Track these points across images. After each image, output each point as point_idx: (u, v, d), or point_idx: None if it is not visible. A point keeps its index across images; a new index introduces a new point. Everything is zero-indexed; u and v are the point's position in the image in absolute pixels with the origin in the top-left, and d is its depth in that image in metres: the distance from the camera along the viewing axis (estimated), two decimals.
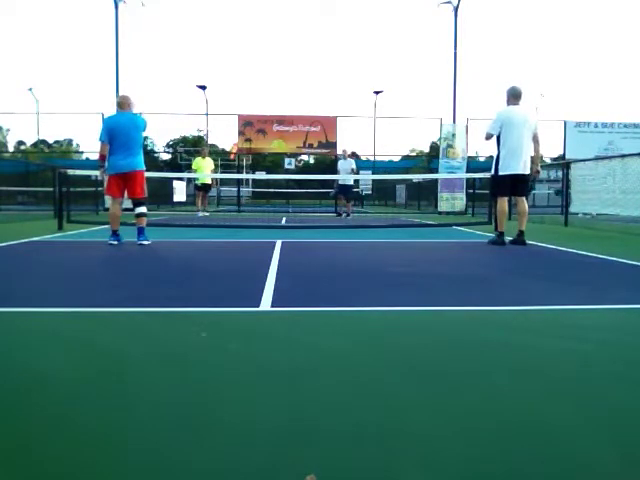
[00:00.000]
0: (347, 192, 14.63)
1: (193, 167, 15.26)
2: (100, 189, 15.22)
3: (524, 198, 6.62)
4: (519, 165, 6.35)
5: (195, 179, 16.02)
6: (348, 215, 14.57)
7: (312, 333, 2.36)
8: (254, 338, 2.26)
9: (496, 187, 6.57)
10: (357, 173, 14.94)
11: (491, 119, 6.61)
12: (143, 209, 6.27)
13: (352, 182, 14.75)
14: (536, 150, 6.58)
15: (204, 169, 14.67)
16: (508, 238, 6.42)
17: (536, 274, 4.30)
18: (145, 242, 6.08)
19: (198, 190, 15.57)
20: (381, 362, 1.93)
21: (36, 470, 1.17)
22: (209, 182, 15.74)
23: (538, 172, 6.66)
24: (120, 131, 6.09)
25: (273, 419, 1.42)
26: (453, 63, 18.57)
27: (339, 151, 23.11)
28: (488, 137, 6.51)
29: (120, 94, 6.89)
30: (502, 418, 1.45)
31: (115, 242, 6.09)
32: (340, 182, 14.18)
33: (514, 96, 6.44)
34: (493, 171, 6.52)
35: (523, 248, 6.11)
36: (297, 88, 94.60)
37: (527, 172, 6.44)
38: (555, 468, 1.18)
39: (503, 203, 6.59)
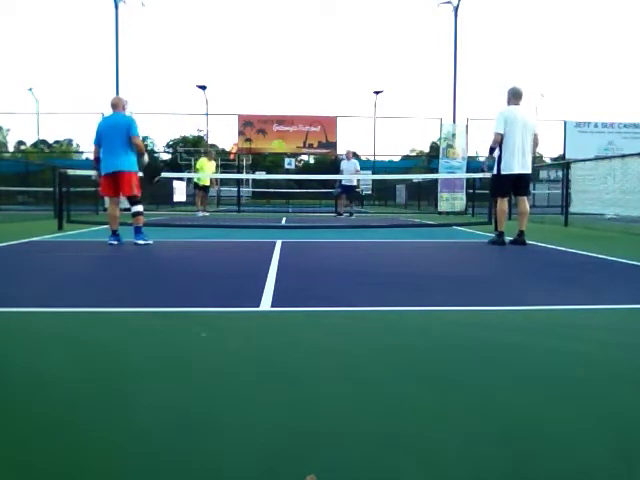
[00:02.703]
0: (350, 192, 14.74)
1: (197, 166, 15.30)
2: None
3: (525, 198, 6.60)
4: (521, 165, 6.34)
5: (193, 179, 16.09)
6: (351, 215, 14.66)
7: (312, 333, 2.36)
8: (254, 338, 2.26)
9: (497, 187, 6.56)
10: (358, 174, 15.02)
11: (494, 119, 6.52)
12: (139, 208, 6.26)
13: (355, 182, 14.89)
14: (533, 151, 6.57)
15: (207, 170, 14.75)
16: (508, 238, 6.42)
17: (536, 274, 4.30)
18: (142, 242, 6.03)
19: (198, 190, 15.60)
20: (381, 362, 1.93)
21: (36, 471, 1.17)
22: (209, 183, 15.76)
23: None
24: (106, 132, 6.20)
25: (273, 419, 1.42)
26: (453, 63, 18.58)
27: (339, 151, 23.15)
28: (498, 138, 6.30)
29: (113, 96, 6.88)
30: (502, 418, 1.45)
31: (115, 242, 6.08)
32: (344, 182, 14.29)
33: (515, 96, 6.44)
34: (495, 171, 6.49)
35: (523, 248, 6.10)
36: (297, 88, 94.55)
37: (528, 172, 6.45)
38: (555, 469, 1.18)
39: (503, 203, 6.60)
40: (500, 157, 6.40)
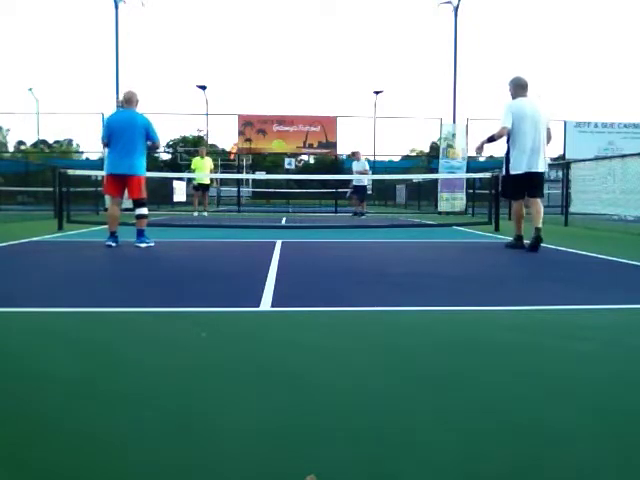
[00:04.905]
0: (361, 192, 14.79)
1: (192, 167, 15.22)
2: (100, 189, 15.24)
3: (538, 200, 5.84)
4: (533, 162, 5.70)
5: (192, 179, 16.02)
6: (362, 215, 14.71)
7: (312, 333, 2.36)
8: (254, 338, 2.26)
9: (509, 188, 5.97)
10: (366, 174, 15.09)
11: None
12: (143, 210, 6.09)
13: (366, 183, 14.94)
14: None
15: (202, 169, 14.62)
16: (508, 239, 6.39)
17: (536, 274, 4.30)
18: (143, 245, 5.91)
19: (196, 190, 15.56)
20: (381, 362, 1.93)
21: (36, 470, 1.17)
22: (207, 182, 15.67)
23: None
24: (116, 129, 5.88)
25: (273, 419, 1.42)
26: (453, 63, 18.55)
27: (339, 151, 23.18)
28: (504, 132, 5.68)
29: (127, 90, 6.21)
30: (502, 418, 1.45)
31: (113, 244, 5.89)
32: (355, 183, 14.37)
33: (521, 87, 5.76)
34: (504, 171, 5.99)
35: (523, 249, 6.07)
36: (297, 88, 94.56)
37: (540, 170, 5.76)
38: (555, 469, 1.18)
39: (518, 205, 6.00)
40: (508, 156, 5.87)
